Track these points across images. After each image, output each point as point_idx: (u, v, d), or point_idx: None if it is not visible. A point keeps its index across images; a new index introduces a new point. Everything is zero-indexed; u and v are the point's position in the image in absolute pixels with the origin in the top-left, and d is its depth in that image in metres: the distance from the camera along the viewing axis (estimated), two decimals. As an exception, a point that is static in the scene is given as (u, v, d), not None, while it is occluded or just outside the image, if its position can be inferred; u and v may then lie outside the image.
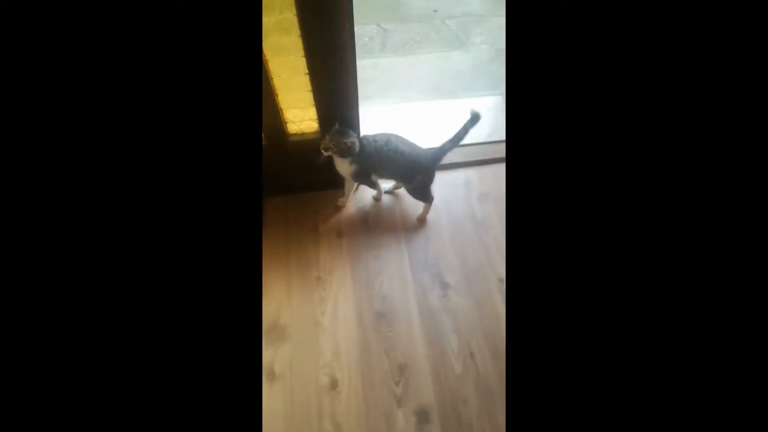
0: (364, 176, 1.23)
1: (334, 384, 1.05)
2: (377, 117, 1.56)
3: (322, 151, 1.13)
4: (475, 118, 1.18)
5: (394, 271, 1.24)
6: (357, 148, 1.13)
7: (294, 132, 1.18)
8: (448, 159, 1.46)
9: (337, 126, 1.12)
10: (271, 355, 1.09)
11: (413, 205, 1.37)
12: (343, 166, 1.18)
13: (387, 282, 1.22)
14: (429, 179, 1.25)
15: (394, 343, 1.11)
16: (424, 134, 1.28)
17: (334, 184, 1.32)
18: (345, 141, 1.10)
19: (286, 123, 1.14)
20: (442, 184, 1.42)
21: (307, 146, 1.21)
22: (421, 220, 1.33)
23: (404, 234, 1.32)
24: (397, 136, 1.20)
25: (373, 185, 1.31)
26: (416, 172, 1.22)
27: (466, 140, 1.53)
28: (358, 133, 1.17)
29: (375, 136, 1.18)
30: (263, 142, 1.17)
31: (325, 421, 1.00)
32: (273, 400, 1.03)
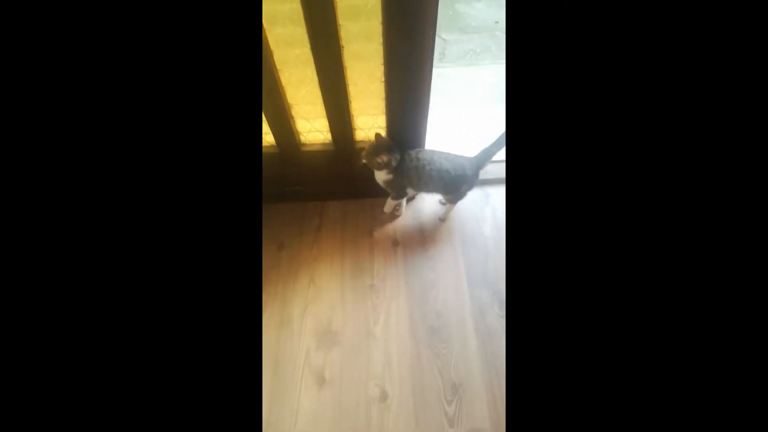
0: (398, 188, 1.20)
1: (383, 396, 1.03)
2: (440, 125, 1.54)
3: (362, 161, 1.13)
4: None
5: (450, 285, 1.20)
6: (393, 165, 1.11)
7: (361, 139, 1.18)
8: (511, 174, 1.42)
9: (375, 139, 1.10)
10: (321, 359, 1.09)
11: (471, 219, 1.33)
12: (380, 174, 1.17)
13: (442, 296, 1.18)
14: (472, 187, 1.23)
15: (448, 360, 1.07)
16: (484, 144, 1.25)
17: (365, 191, 1.31)
18: (377, 159, 1.09)
19: (354, 130, 1.14)
20: (503, 199, 1.37)
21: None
22: (444, 220, 1.33)
23: (461, 247, 1.28)
24: (440, 153, 1.15)
25: (403, 196, 1.27)
26: (461, 185, 1.19)
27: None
28: (401, 147, 1.14)
29: (419, 153, 1.14)
30: (331, 148, 1.18)
31: (373, 434, 0.98)
32: (321, 405, 1.02)
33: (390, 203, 1.30)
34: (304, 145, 1.19)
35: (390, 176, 1.15)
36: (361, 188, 1.34)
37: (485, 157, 1.18)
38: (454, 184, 1.17)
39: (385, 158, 1.09)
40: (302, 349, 1.11)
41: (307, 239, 1.32)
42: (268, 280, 1.24)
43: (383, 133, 1.14)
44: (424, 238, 1.31)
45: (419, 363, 1.07)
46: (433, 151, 1.16)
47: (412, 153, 1.14)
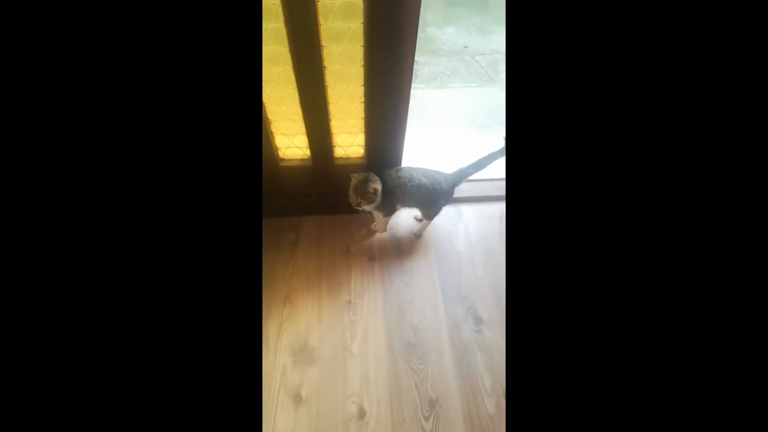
0: (388, 207, 1.24)
1: (361, 414, 1.02)
2: (415, 144, 1.59)
3: (357, 208, 1.17)
4: (503, 151, 1.21)
5: (426, 300, 1.22)
6: (378, 189, 1.14)
7: (340, 156, 1.20)
8: (484, 192, 1.48)
9: (354, 180, 1.14)
10: (298, 377, 1.07)
11: (445, 235, 1.37)
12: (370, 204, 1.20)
13: (418, 311, 1.20)
14: (448, 202, 1.28)
15: (425, 376, 1.08)
16: (458, 164, 1.30)
17: (340, 208, 1.33)
18: (369, 190, 1.13)
19: (334, 147, 1.16)
20: (476, 216, 1.43)
21: (349, 170, 1.23)
22: (419, 236, 1.37)
23: (436, 262, 1.31)
24: (417, 169, 1.21)
25: (393, 212, 1.31)
26: (439, 199, 1.24)
27: (502, 174, 1.55)
28: (380, 168, 1.19)
29: (398, 171, 1.19)
30: (309, 164, 1.19)
31: (351, 453, 0.96)
32: (298, 424, 1.00)
33: (381, 221, 1.31)
34: (283, 160, 1.19)
35: (380, 201, 1.18)
36: (337, 204, 1.34)
37: (461, 176, 1.24)
38: (432, 198, 1.21)
39: (376, 186, 1.13)
40: (278, 367, 1.08)
41: (283, 255, 1.30)
42: (243, 297, 1.20)
43: (362, 151, 1.17)
44: (400, 253, 1.33)
45: (396, 379, 1.08)
46: (410, 168, 1.20)
47: (392, 172, 1.18)
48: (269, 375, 1.07)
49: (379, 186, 1.14)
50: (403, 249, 1.34)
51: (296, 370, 1.08)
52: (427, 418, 1.02)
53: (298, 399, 1.04)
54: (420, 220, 1.37)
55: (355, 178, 1.14)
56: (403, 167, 1.22)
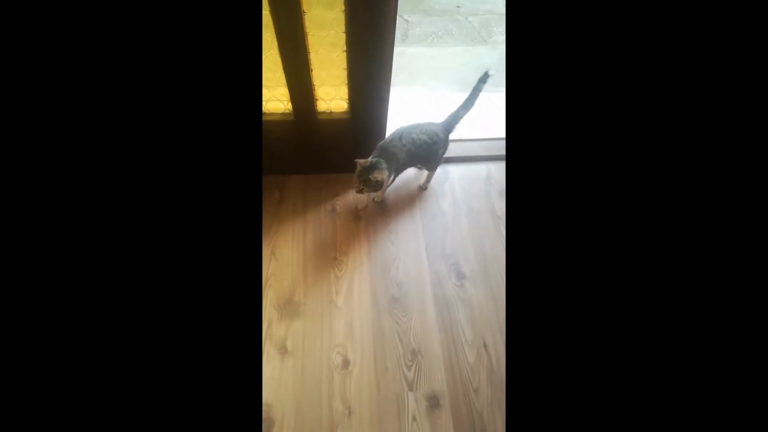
0: (397, 174, 1.24)
1: (345, 363, 1.05)
2: (403, 103, 1.55)
3: (358, 193, 1.18)
4: (485, 77, 1.20)
5: (410, 258, 1.23)
6: (386, 176, 1.14)
7: (323, 110, 1.17)
8: (470, 152, 1.47)
9: (359, 166, 1.13)
10: (284, 330, 1.09)
11: (431, 195, 1.37)
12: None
13: (403, 268, 1.21)
14: (446, 149, 1.29)
15: (408, 328, 1.11)
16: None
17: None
18: (372, 179, 1.12)
19: (316, 100, 1.13)
20: (462, 176, 1.42)
21: (333, 126, 1.20)
22: (425, 188, 1.37)
23: (422, 222, 1.31)
24: (410, 128, 1.19)
25: (390, 183, 1.30)
26: (438, 150, 1.24)
27: (489, 134, 1.53)
28: (382, 148, 1.17)
29: (393, 139, 1.17)
30: (291, 118, 1.16)
31: (335, 399, 1.00)
32: (284, 374, 1.03)
33: (381, 192, 1.30)
34: (264, 114, 1.15)
35: (390, 176, 1.18)
36: (322, 162, 1.33)
37: (453, 121, 1.25)
38: (433, 151, 1.22)
39: (380, 176, 1.12)
40: (264, 320, 1.10)
41: (268, 213, 1.30)
42: (227, 253, 1.21)
43: (345, 105, 1.14)
44: (386, 212, 1.33)
45: (380, 331, 1.10)
46: (403, 130, 1.18)
47: (388, 142, 1.17)
48: (255, 328, 1.09)
49: (384, 176, 1.13)
50: (389, 208, 1.34)
51: (282, 323, 1.10)
52: (409, 367, 1.05)
53: (283, 350, 1.06)
54: (421, 168, 1.36)
55: (360, 164, 1.13)
56: (396, 131, 1.19)
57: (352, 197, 1.35)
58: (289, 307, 1.13)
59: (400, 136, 1.17)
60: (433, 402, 1.00)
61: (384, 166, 1.13)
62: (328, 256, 1.23)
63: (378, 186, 1.16)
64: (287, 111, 1.16)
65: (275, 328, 1.09)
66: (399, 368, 1.05)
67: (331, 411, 0.98)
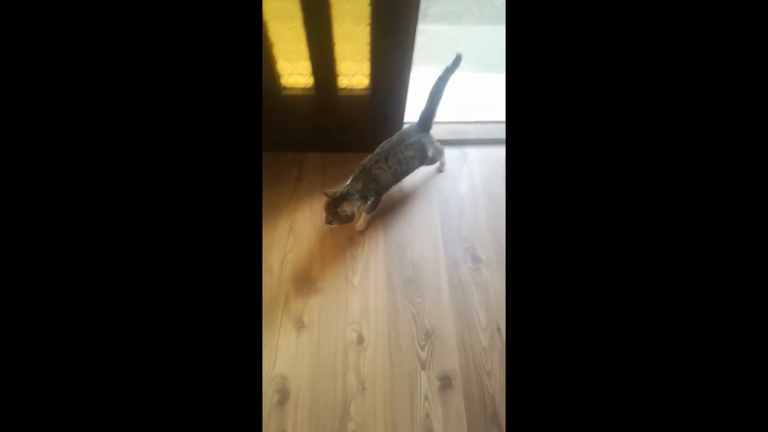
0: (374, 204, 1.18)
1: (360, 340, 1.07)
2: (423, 82, 1.52)
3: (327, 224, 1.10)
4: (457, 61, 1.09)
5: (426, 241, 1.23)
6: (357, 208, 1.08)
7: (344, 86, 1.14)
8: (490, 134, 1.44)
9: (327, 197, 1.07)
10: (301, 305, 1.11)
11: (448, 178, 1.35)
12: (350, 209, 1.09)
13: (418, 250, 1.21)
14: (434, 144, 1.22)
15: (422, 309, 1.12)
16: (467, 105, 1.24)
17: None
18: (341, 213, 1.05)
19: (337, 75, 1.10)
20: (481, 159, 1.40)
21: (354, 102, 1.18)
22: (442, 170, 1.36)
23: (438, 205, 1.30)
24: (396, 144, 1.13)
25: (378, 204, 1.22)
26: (428, 150, 1.19)
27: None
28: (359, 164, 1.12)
29: (376, 159, 1.11)
30: (312, 93, 1.14)
31: (349, 374, 1.02)
32: (300, 347, 1.05)
33: (365, 217, 1.22)
34: (285, 88, 1.14)
35: (359, 203, 1.10)
36: (341, 141, 1.31)
37: (429, 116, 1.16)
38: (422, 156, 1.18)
39: (351, 209, 1.06)
40: (281, 294, 1.12)
41: (287, 190, 1.30)
42: (245, 228, 1.22)
43: (366, 82, 1.12)
44: (403, 194, 1.32)
45: (395, 311, 1.11)
46: (386, 149, 1.12)
47: (370, 164, 1.11)
48: (273, 301, 1.11)
49: (354, 208, 1.07)
50: (406, 190, 1.33)
51: (299, 298, 1.12)
52: (422, 347, 1.06)
53: (300, 324, 1.08)
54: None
55: (328, 195, 1.06)
56: (380, 151, 1.13)
57: (369, 177, 1.34)
58: (307, 283, 1.14)
59: (385, 157, 1.11)
60: (446, 382, 1.02)
61: (355, 197, 1.07)
62: (345, 235, 1.23)
63: (348, 219, 1.09)
64: (308, 86, 1.14)
65: (292, 303, 1.11)
66: (413, 348, 1.06)
67: (345, 385, 1.00)
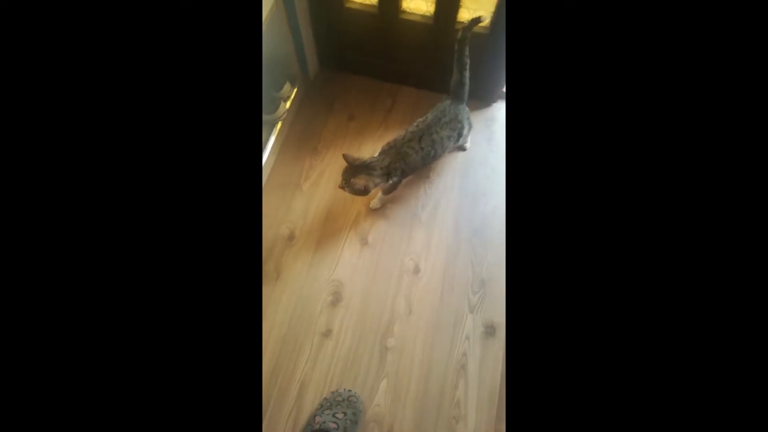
0: (404, 176, 1.08)
1: (416, 270, 1.11)
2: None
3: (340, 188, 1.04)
4: (475, 21, 0.97)
5: (500, 197, 1.21)
6: (371, 185, 0.99)
7: (463, 19, 1.11)
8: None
9: (347, 162, 0.99)
10: (368, 225, 1.16)
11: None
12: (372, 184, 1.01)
13: (492, 204, 1.20)
14: (467, 114, 1.13)
15: (483, 259, 1.12)
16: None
17: (440, 86, 1.23)
18: (353, 181, 0.97)
19: (460, 7, 1.07)
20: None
21: (414, 29, 1.14)
22: (465, 147, 1.27)
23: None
24: (432, 122, 1.05)
25: (399, 184, 1.12)
26: (464, 129, 1.11)
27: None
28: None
29: (410, 138, 1.03)
30: (430, 21, 1.13)
31: (400, 297, 1.07)
32: (361, 261, 1.12)
33: (381, 198, 1.17)
34: (404, 12, 1.13)
35: (379, 180, 1.01)
36: (439, 82, 1.29)
37: (462, 89, 1.07)
38: (458, 134, 1.10)
39: (366, 183, 0.98)
40: (353, 212, 1.18)
41: (377, 117, 1.33)
42: (335, 144, 1.28)
43: (489, 21, 1.07)
44: (491, 147, 1.29)
45: (455, 253, 1.13)
46: (421, 128, 1.05)
47: (402, 140, 1.04)
48: (344, 216, 1.17)
49: (370, 183, 0.98)
50: (495, 144, 1.30)
51: (368, 219, 1.17)
52: (475, 293, 1.08)
53: (364, 242, 1.14)
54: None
55: (348, 161, 0.98)
56: (416, 128, 1.05)
57: (459, 123, 1.32)
58: (376, 210, 1.19)
59: (420, 136, 1.02)
60: (489, 330, 1.03)
61: (377, 172, 0.98)
62: (422, 173, 1.24)
63: (361, 192, 1.00)
64: (428, 14, 1.12)
65: (361, 221, 1.17)
66: (465, 291, 1.08)
67: (393, 305, 1.06)
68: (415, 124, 1.06)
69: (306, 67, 1.31)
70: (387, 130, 1.30)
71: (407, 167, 1.04)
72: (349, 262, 1.12)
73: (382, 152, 1.04)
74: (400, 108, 1.35)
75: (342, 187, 1.01)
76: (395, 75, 1.34)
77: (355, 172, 0.98)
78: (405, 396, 0.97)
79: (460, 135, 1.11)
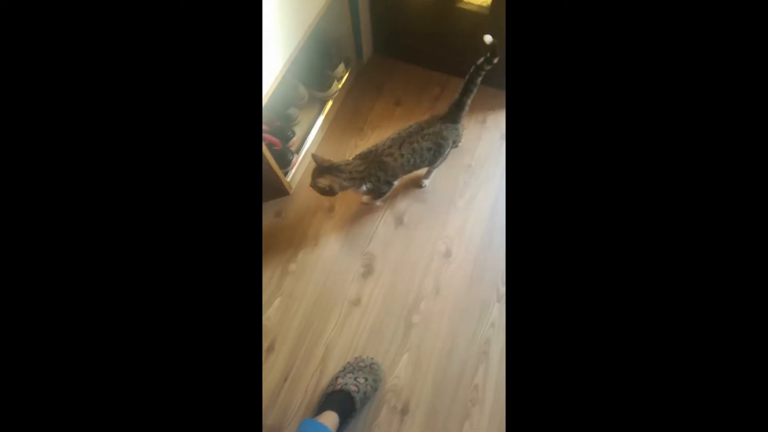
0: (389, 187, 1.09)
1: (448, 254, 1.12)
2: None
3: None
4: (492, 47, 0.92)
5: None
6: (335, 188, 0.97)
7: None
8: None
9: (315, 162, 0.98)
10: (405, 206, 1.20)
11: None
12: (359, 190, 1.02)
13: (531, 199, 1.20)
14: (458, 142, 1.12)
15: (516, 251, 1.12)
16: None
17: (488, 79, 1.24)
18: (319, 184, 0.96)
19: None
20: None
21: (471, 20, 1.15)
22: (423, 185, 1.23)
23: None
24: (414, 131, 1.03)
25: (387, 193, 1.13)
26: (446, 150, 1.08)
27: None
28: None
29: (389, 144, 1.01)
30: (485, 12, 1.14)
31: (429, 278, 1.09)
32: (394, 238, 1.15)
33: (371, 199, 1.17)
34: (461, 1, 1.16)
35: (347, 184, 1.00)
36: (487, 75, 1.30)
37: (459, 110, 1.05)
38: (439, 153, 1.08)
39: (330, 184, 0.96)
40: (392, 192, 1.21)
41: (423, 105, 1.36)
42: (380, 126, 1.32)
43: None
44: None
45: (489, 242, 1.14)
46: (402, 135, 1.03)
47: (381, 148, 1.02)
48: (382, 194, 1.21)
49: (335, 185, 0.97)
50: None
51: (405, 200, 1.20)
52: (504, 283, 1.08)
53: (399, 222, 1.17)
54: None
55: (316, 160, 0.98)
56: (396, 136, 1.03)
57: (503, 115, 1.33)
58: (415, 191, 1.22)
59: (400, 144, 1.01)
60: (516, 320, 1.03)
61: (344, 176, 0.97)
62: (464, 162, 1.26)
63: (326, 192, 0.98)
64: (485, 4, 1.14)
65: (398, 202, 1.20)
66: (495, 280, 1.09)
67: (422, 284, 1.08)
68: (397, 131, 1.05)
69: (361, 50, 1.36)
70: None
71: (385, 175, 1.03)
72: (383, 238, 1.15)
73: (359, 157, 1.03)
74: (447, 97, 1.36)
75: (311, 185, 1.00)
76: (446, 65, 1.36)
77: (322, 172, 0.98)
78: (425, 372, 0.99)
79: (439, 154, 1.08)
